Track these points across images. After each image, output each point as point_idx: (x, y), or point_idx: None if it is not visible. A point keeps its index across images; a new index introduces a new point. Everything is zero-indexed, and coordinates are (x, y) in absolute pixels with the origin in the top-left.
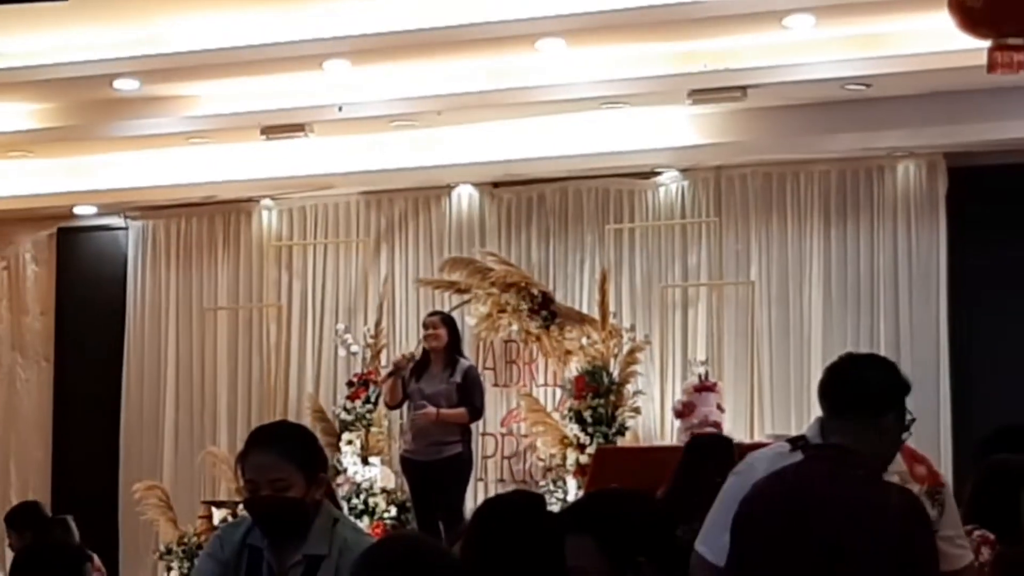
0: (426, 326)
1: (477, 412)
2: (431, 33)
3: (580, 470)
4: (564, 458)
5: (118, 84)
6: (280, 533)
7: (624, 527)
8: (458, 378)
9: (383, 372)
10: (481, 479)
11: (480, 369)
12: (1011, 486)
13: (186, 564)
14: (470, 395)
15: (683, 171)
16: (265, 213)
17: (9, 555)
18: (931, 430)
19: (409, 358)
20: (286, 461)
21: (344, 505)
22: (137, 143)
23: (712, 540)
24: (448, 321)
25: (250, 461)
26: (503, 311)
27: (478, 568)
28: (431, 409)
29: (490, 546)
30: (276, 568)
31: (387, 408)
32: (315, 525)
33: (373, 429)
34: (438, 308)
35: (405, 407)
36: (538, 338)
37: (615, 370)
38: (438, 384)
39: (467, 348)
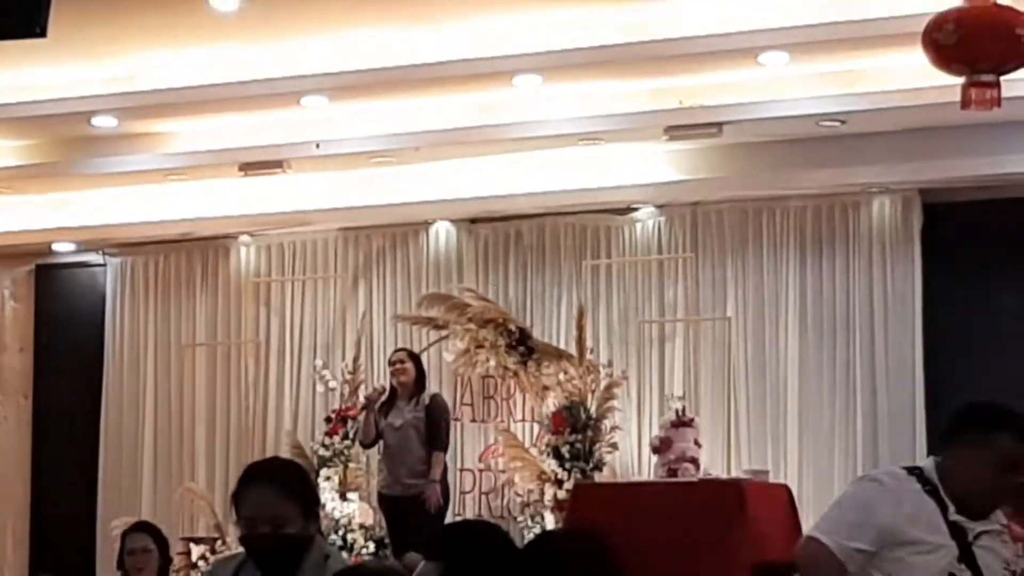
0: (392, 363)
1: (443, 446)
2: (409, 70)
3: (558, 505)
4: (542, 493)
5: (96, 121)
6: (277, 569)
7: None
8: (425, 401)
9: (358, 408)
10: (459, 514)
11: (458, 405)
12: None
13: None
14: (436, 426)
15: (659, 207)
16: (243, 249)
17: None
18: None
19: (380, 391)
20: (284, 497)
21: None
22: (115, 180)
23: (839, 536)
24: (414, 356)
25: (247, 498)
26: (480, 347)
27: None
28: (431, 496)
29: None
30: None
31: (362, 447)
32: (307, 560)
33: (351, 465)
34: (415, 344)
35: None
36: (515, 374)
37: (592, 405)
38: (406, 415)
39: (444, 384)
